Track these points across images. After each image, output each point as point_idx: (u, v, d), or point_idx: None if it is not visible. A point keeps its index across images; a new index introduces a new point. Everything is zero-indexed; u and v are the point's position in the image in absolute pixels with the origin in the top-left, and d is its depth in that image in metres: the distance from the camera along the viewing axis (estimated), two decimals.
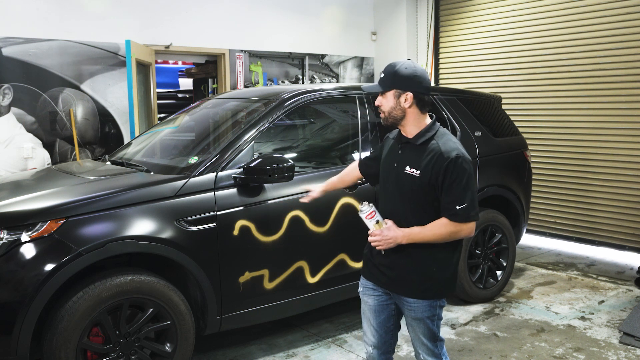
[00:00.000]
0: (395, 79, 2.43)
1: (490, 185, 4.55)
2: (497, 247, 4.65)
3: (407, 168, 2.43)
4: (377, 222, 2.43)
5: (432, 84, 7.56)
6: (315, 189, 3.04)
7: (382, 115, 2.51)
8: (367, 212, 2.43)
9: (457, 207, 2.34)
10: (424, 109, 2.48)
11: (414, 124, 2.47)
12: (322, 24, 7.64)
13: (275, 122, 3.68)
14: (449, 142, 2.42)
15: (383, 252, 2.48)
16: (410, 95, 2.43)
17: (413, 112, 2.45)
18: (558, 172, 6.36)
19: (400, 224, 2.43)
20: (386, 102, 2.47)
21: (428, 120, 2.49)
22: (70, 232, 2.86)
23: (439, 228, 2.38)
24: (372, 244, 2.46)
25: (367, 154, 3.96)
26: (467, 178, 2.36)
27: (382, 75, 2.47)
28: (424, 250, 2.43)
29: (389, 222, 2.44)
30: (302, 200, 3.14)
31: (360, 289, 2.69)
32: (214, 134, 4.04)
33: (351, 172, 2.97)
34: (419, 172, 2.40)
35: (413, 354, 2.87)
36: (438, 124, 2.52)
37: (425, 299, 2.46)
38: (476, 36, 7.10)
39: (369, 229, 2.47)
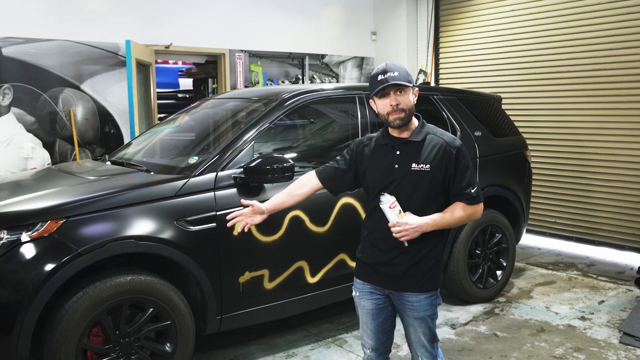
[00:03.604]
0: (409, 76, 2.45)
1: (490, 185, 4.55)
2: (497, 247, 4.65)
3: (414, 165, 2.44)
4: (400, 212, 2.38)
5: (432, 84, 7.56)
6: (255, 212, 2.61)
7: (400, 115, 2.40)
8: (388, 202, 2.37)
9: (472, 191, 2.45)
10: None
11: (412, 122, 2.50)
12: (322, 24, 7.63)
13: (275, 122, 3.67)
14: (445, 134, 2.51)
15: (406, 244, 2.43)
16: (417, 90, 2.51)
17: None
18: (558, 172, 6.36)
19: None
20: (406, 99, 2.42)
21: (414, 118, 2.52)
22: (70, 232, 2.85)
23: (459, 212, 2.45)
24: (397, 234, 2.38)
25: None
26: (470, 163, 2.49)
27: (396, 72, 2.38)
28: (423, 243, 2.45)
29: (408, 213, 2.40)
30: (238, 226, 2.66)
31: (355, 294, 2.62)
32: (214, 134, 4.03)
33: (307, 184, 2.68)
34: (429, 166, 2.42)
35: None
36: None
37: (426, 292, 2.48)
38: (476, 36, 7.10)
39: (388, 221, 2.39)
